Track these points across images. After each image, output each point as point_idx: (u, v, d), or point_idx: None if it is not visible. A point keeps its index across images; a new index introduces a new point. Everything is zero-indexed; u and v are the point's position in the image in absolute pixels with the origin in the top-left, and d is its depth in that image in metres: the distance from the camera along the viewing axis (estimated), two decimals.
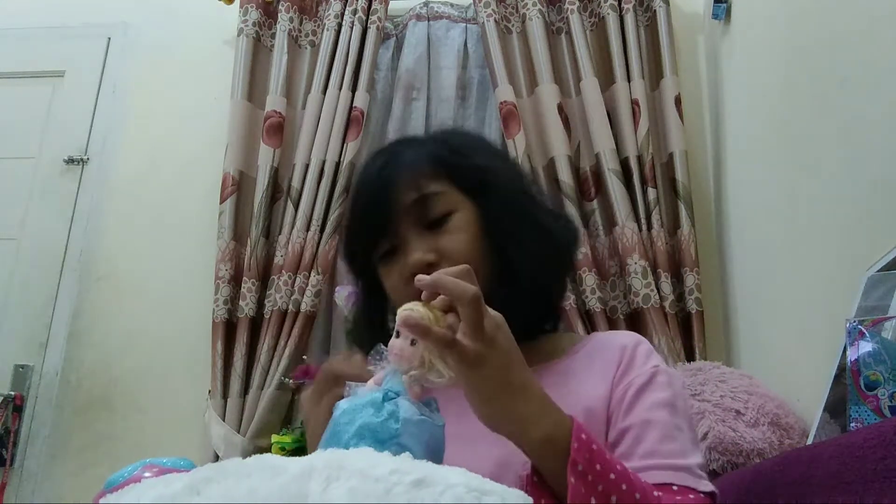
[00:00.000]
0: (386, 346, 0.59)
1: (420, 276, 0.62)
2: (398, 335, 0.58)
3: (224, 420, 1.94)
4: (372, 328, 0.88)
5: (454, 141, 0.87)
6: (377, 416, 0.52)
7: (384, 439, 0.50)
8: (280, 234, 2.06)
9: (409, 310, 0.59)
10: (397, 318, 0.58)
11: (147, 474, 0.58)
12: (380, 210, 0.80)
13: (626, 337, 0.82)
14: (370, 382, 0.58)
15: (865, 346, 0.88)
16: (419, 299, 0.66)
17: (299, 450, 1.79)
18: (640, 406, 0.73)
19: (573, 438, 0.59)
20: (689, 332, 1.85)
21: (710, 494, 0.69)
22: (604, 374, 0.77)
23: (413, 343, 0.57)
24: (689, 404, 0.79)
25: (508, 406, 0.60)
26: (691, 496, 0.67)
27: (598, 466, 0.59)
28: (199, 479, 0.34)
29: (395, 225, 0.80)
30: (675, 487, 0.67)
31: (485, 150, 0.90)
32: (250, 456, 0.41)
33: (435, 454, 0.53)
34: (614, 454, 0.69)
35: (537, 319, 0.86)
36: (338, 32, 2.19)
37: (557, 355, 0.83)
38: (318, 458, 0.37)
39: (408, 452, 0.43)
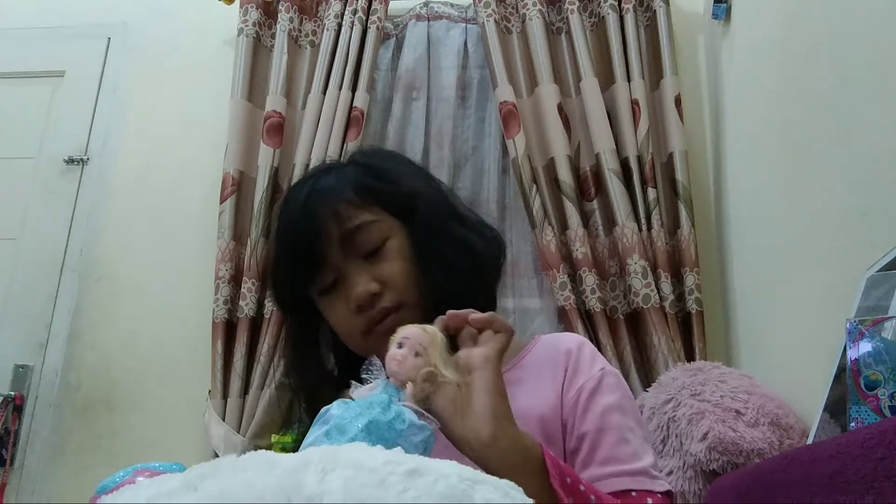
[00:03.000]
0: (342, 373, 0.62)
1: (474, 317, 0.66)
2: (400, 346, 0.60)
3: (224, 420, 1.94)
4: (305, 362, 0.90)
5: (377, 164, 0.87)
6: (385, 415, 0.54)
7: (389, 437, 0.53)
8: None
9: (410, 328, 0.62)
10: (401, 332, 0.61)
11: (139, 479, 0.58)
12: (315, 245, 0.80)
13: (569, 340, 0.85)
14: (363, 391, 0.60)
15: (865, 346, 0.88)
16: (368, 329, 0.76)
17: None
18: (593, 411, 0.76)
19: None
20: (689, 332, 1.85)
21: (667, 493, 0.72)
22: (553, 380, 0.80)
23: (417, 354, 0.60)
24: (634, 402, 0.83)
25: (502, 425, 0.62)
26: (650, 500, 0.71)
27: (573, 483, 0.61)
28: (195, 475, 0.34)
29: (334, 259, 0.80)
30: (633, 493, 0.71)
31: (409, 172, 0.90)
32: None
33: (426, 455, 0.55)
34: (575, 461, 0.74)
35: None
36: (338, 32, 2.19)
37: (504, 365, 0.83)
38: (313, 452, 0.38)
39: (400, 448, 0.44)
